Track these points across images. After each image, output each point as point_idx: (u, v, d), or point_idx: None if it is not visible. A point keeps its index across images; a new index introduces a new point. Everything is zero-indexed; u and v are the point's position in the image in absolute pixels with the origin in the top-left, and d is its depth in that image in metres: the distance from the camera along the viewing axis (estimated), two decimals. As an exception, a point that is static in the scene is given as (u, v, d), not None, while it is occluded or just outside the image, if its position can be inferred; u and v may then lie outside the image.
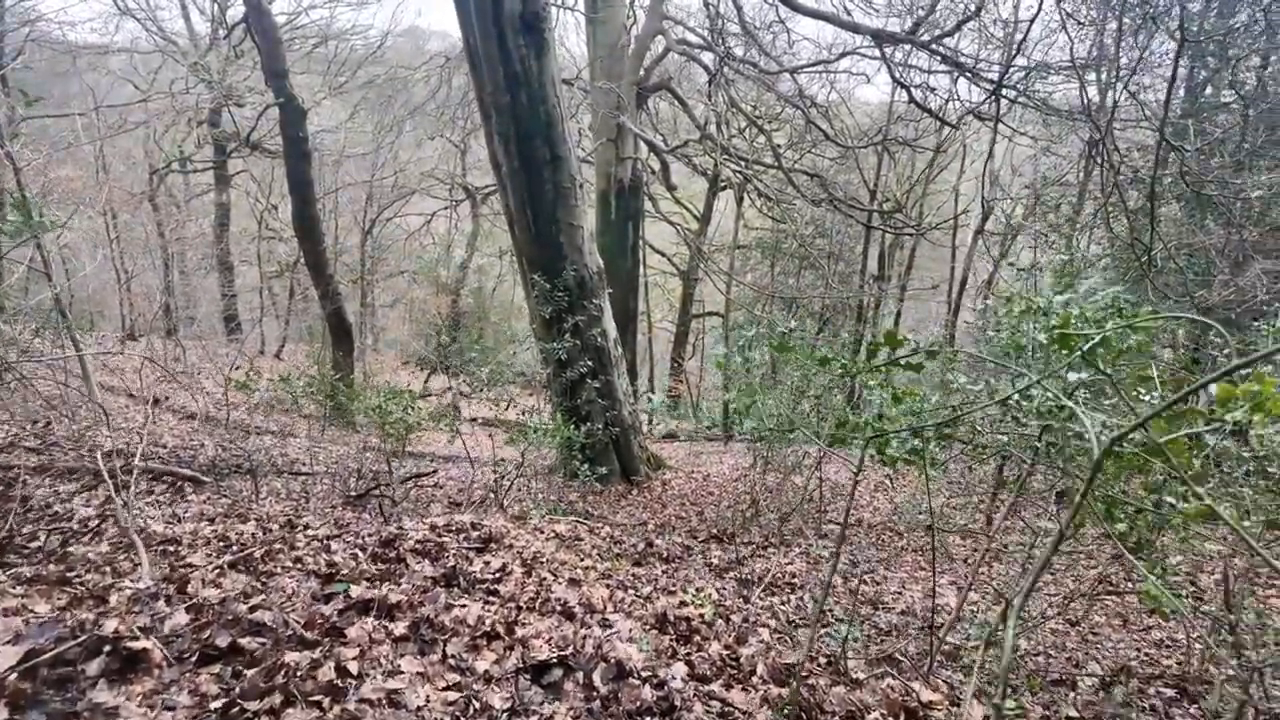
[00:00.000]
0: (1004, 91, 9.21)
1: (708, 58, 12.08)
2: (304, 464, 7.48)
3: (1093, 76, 8.85)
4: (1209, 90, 8.01)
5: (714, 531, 5.45)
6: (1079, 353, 2.04)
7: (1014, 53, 7.57)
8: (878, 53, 10.08)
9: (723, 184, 18.08)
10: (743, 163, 12.24)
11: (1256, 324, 6.02)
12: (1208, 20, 7.20)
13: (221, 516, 4.11)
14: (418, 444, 12.20)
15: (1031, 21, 5.04)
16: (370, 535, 3.46)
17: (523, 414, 6.49)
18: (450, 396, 18.60)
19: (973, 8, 8.30)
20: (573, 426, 5.86)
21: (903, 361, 2.30)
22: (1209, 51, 7.61)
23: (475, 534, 3.57)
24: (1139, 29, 7.81)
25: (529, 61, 5.90)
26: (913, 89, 10.08)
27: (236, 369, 13.91)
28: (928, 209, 13.97)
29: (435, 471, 6.87)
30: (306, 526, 3.74)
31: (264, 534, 3.47)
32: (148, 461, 5.57)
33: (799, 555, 4.83)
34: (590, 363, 6.37)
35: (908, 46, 9.90)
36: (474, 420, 16.80)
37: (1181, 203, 6.17)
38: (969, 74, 9.59)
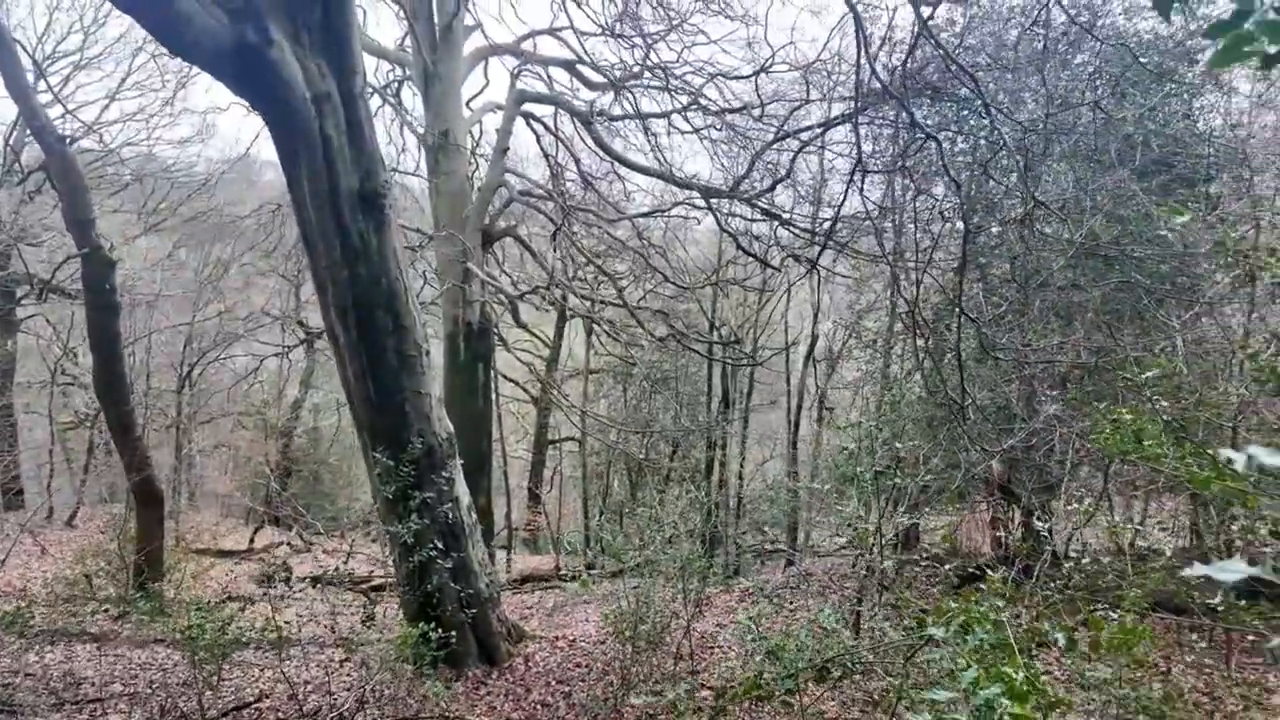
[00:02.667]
0: (816, 237, 10.26)
1: (551, 206, 12.56)
2: (94, 684, 6.36)
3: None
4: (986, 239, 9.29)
5: None
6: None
7: (837, 212, 8.46)
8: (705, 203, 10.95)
9: (571, 314, 18.47)
10: (589, 303, 12.61)
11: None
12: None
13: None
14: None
15: (850, 185, 5.67)
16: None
17: (365, 617, 5.93)
18: (281, 553, 16.91)
19: (783, 172, 9.29)
20: (422, 622, 5.41)
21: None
22: (979, 207, 8.91)
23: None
24: (920, 192, 9.06)
25: (368, 236, 5.80)
26: (739, 236, 10.99)
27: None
28: (762, 337, 14.97)
29: (262, 698, 6.05)
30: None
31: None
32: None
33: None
34: (440, 544, 6.01)
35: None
36: (311, 581, 15.29)
37: (979, 361, 7.04)
38: (784, 224, 10.61)
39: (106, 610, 10.71)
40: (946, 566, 6.46)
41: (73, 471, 19.19)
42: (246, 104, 5.50)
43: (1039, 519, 6.08)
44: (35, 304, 18.13)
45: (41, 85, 14.71)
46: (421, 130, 12.58)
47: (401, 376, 6.11)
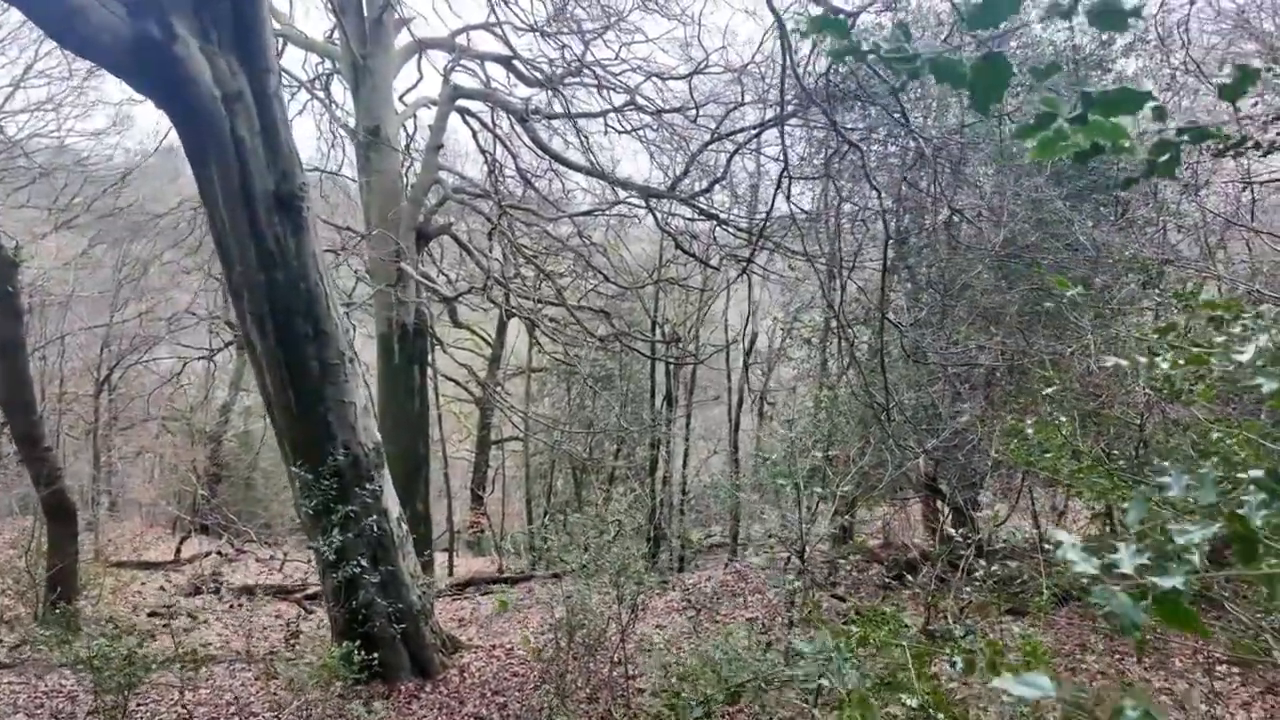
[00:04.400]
0: (752, 238, 10.35)
1: (488, 205, 12.34)
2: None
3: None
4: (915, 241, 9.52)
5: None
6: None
7: (767, 214, 8.53)
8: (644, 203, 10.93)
9: (511, 313, 18.23)
10: (529, 302, 12.47)
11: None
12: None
13: None
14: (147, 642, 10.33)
15: (777, 189, 5.71)
16: None
17: (290, 634, 5.71)
18: (210, 563, 16.26)
19: (719, 172, 9.33)
20: (350, 639, 5.24)
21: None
22: (907, 210, 9.11)
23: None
24: (849, 196, 9.22)
25: (285, 240, 5.57)
26: (678, 236, 11.01)
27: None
28: (705, 335, 15.05)
29: None
30: None
31: None
32: None
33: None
34: (367, 558, 5.84)
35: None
36: (243, 591, 14.75)
37: (906, 362, 7.22)
38: (722, 223, 10.67)
39: (13, 632, 10.09)
40: (876, 567, 6.60)
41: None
42: (153, 101, 5.21)
43: (963, 514, 6.27)
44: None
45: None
46: (352, 125, 12.21)
47: (324, 385, 5.91)
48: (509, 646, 7.36)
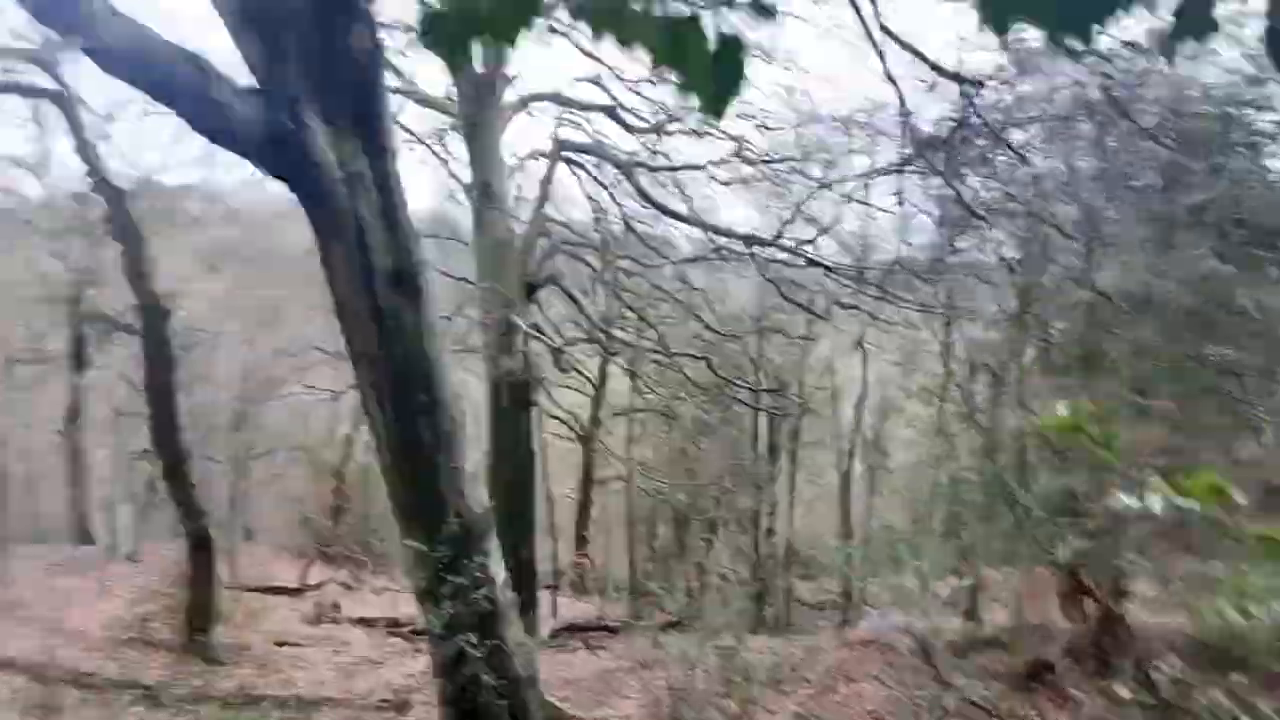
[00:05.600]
0: (860, 285, 9.93)
1: (592, 253, 12.50)
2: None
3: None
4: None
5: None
6: None
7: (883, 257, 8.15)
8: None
9: (614, 353, 18.35)
10: (631, 350, 12.49)
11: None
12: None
13: None
14: (272, 675, 10.84)
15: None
16: None
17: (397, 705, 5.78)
18: (331, 592, 17.07)
19: (826, 221, 9.03)
20: (451, 709, 5.23)
21: None
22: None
23: None
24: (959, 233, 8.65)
25: (404, 315, 5.74)
26: (780, 284, 10.72)
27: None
28: (810, 379, 14.58)
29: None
30: None
31: None
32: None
33: None
34: (475, 631, 5.84)
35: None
36: (360, 622, 15.34)
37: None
38: (828, 271, 10.30)
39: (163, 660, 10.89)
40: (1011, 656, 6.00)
41: (136, 507, 19.77)
42: (281, 182, 5.52)
43: (1115, 600, 5.59)
44: (103, 342, 18.85)
45: (111, 130, 15.26)
46: (468, 179, 12.72)
47: (436, 454, 6.00)
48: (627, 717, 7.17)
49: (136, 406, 19.65)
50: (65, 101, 11.83)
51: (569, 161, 13.11)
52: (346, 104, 5.36)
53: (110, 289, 18.30)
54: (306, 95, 5.14)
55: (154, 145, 19.49)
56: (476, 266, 12.01)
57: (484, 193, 11.59)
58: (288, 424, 20.23)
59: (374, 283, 5.60)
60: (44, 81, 11.77)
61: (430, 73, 14.90)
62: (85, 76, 12.08)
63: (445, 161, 13.92)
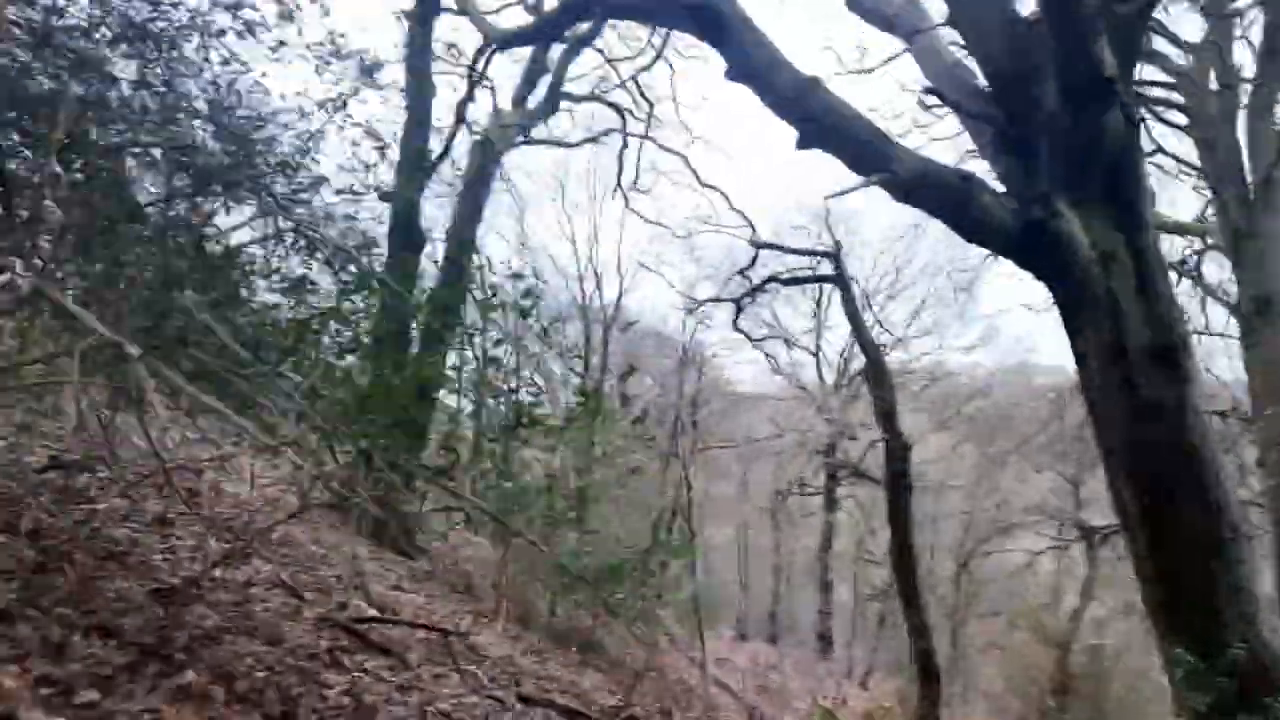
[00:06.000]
0: None
1: None
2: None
3: None
4: None
5: None
6: None
7: None
8: None
9: None
10: None
11: None
12: None
13: None
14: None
15: None
16: None
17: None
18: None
19: None
20: None
21: None
22: None
23: None
24: None
25: (1164, 395, 5.23)
26: None
27: (825, 699, 14.08)
28: None
29: None
30: None
31: None
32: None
33: None
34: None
35: None
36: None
37: None
38: None
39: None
40: None
41: (867, 637, 21.97)
42: (1031, 275, 5.89)
43: None
44: (848, 486, 22.36)
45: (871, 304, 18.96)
46: (1230, 299, 10.89)
47: (1210, 563, 5.04)
48: None
49: (875, 548, 22.37)
50: (845, 286, 15.27)
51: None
52: (1099, 184, 5.49)
53: (857, 442, 21.89)
54: (1058, 184, 5.49)
55: (899, 319, 22.95)
56: (1249, 391, 9.87)
57: (1261, 305, 9.67)
58: (1007, 581, 19.61)
59: (1127, 359, 5.31)
60: (825, 269, 15.54)
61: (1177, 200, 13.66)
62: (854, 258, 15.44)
63: (1199, 284, 12.25)
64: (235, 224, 4.78)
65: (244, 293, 5.05)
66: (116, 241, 4.35)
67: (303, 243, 5.38)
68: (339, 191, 5.33)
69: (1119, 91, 5.29)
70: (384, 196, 8.53)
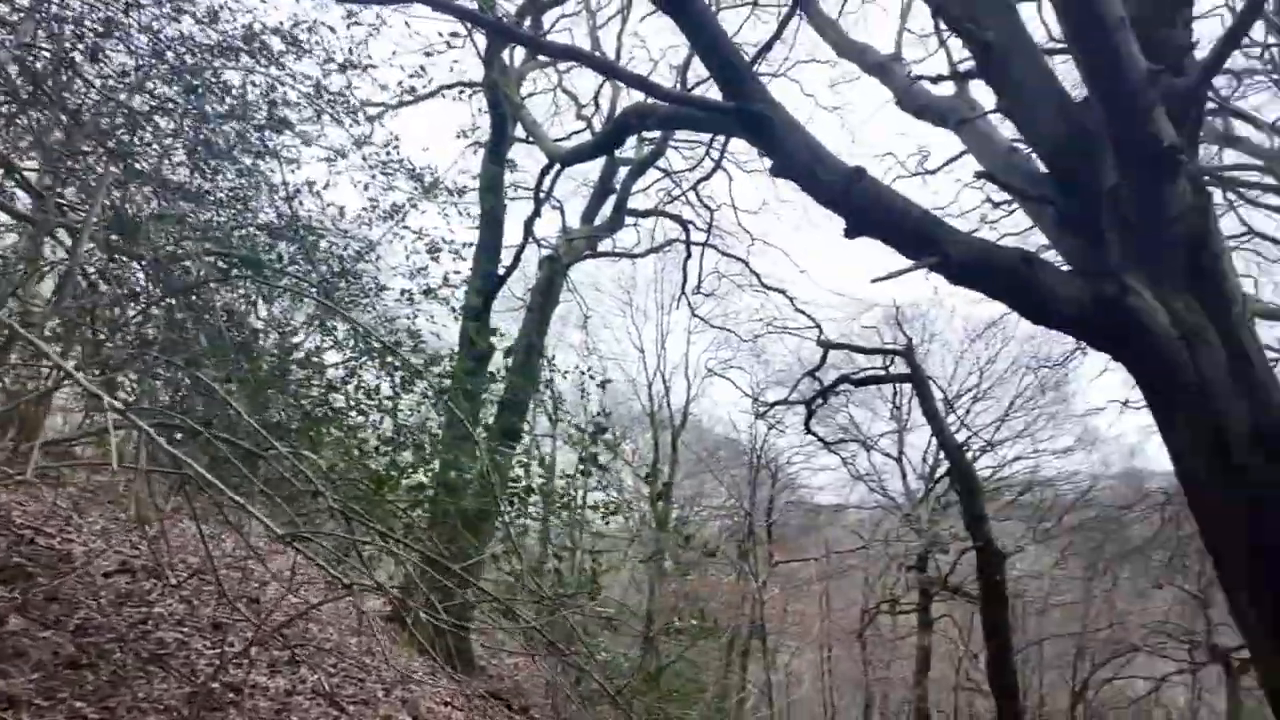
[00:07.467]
0: None
1: None
2: None
3: None
4: None
5: None
6: None
7: None
8: None
9: None
10: None
11: None
12: None
13: None
14: None
15: None
16: None
17: None
18: None
19: None
20: None
21: None
22: None
23: None
24: None
25: (1269, 475, 4.65)
26: None
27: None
28: None
29: None
30: None
31: None
32: None
33: None
34: None
35: None
36: None
37: None
38: None
39: None
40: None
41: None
42: (1113, 358, 5.50)
43: None
44: (945, 603, 20.66)
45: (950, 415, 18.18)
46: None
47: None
48: None
49: (976, 675, 20.36)
50: (921, 384, 14.77)
51: None
52: (1178, 262, 5.16)
53: (949, 555, 20.45)
54: (1130, 261, 5.20)
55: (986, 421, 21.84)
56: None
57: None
58: (1131, 708, 17.35)
59: (1228, 448, 4.78)
60: (900, 368, 15.10)
61: None
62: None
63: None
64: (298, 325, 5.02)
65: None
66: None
67: (365, 348, 5.58)
68: (403, 292, 5.56)
69: (1182, 160, 5.07)
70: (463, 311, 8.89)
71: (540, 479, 10.06)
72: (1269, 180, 11.03)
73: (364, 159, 5.70)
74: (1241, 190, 11.16)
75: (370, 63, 5.60)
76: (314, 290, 4.52)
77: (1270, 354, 11.53)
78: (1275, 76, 10.37)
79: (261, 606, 6.39)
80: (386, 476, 4.79)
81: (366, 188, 5.91)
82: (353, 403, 4.97)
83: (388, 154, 5.90)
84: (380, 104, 7.51)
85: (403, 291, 5.83)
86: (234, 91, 4.46)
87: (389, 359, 5.37)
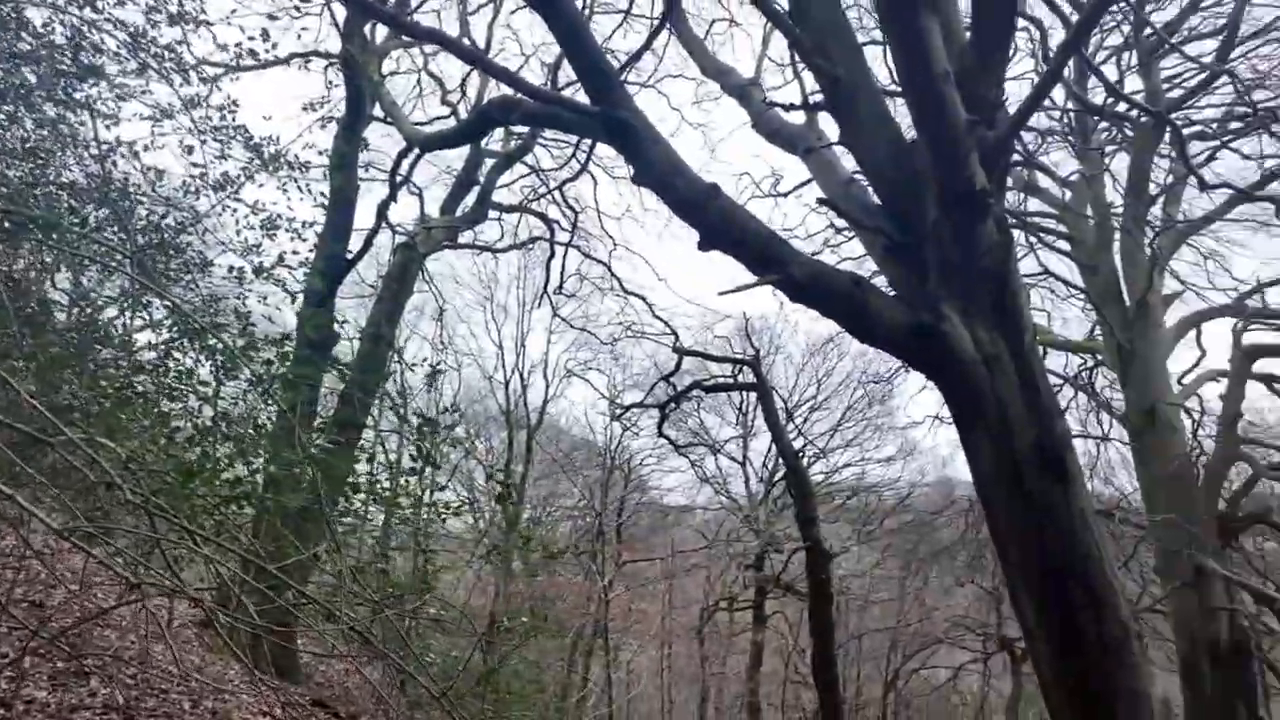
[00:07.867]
0: None
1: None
2: None
3: None
4: None
5: None
6: None
7: None
8: None
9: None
10: None
11: None
12: None
13: None
14: None
15: None
16: None
17: None
18: None
19: None
20: None
21: None
22: None
23: None
24: None
25: (1052, 495, 5.30)
26: None
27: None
28: None
29: None
30: None
31: None
32: None
33: None
34: None
35: None
36: None
37: None
38: None
39: None
40: None
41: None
42: (924, 376, 6.06)
43: None
44: (777, 601, 21.86)
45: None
46: (1120, 412, 11.50)
47: (1104, 662, 4.97)
48: None
49: (804, 668, 21.68)
50: (766, 394, 15.54)
51: (1266, 380, 10.64)
52: (983, 294, 5.77)
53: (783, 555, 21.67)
54: (945, 292, 5.76)
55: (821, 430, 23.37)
56: (1144, 504, 10.24)
57: (1147, 421, 10.22)
58: (931, 696, 19.17)
59: (1015, 459, 5.41)
60: (748, 377, 15.85)
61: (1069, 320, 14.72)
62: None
63: (1093, 398, 12.91)
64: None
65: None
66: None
67: (184, 328, 5.09)
68: (232, 269, 5.11)
69: (991, 203, 5.69)
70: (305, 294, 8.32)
71: (377, 476, 9.61)
72: (1062, 228, 12.61)
73: (193, 122, 5.20)
74: (1040, 235, 12.69)
75: (205, 18, 5.11)
76: (127, 262, 4.05)
77: (1054, 380, 13.12)
78: (1071, 138, 11.90)
79: (45, 611, 5.70)
80: (198, 469, 4.39)
81: (191, 152, 5.38)
82: (163, 387, 4.51)
83: (222, 118, 5.42)
84: (220, 64, 6.87)
85: (231, 269, 5.36)
86: (33, 29, 3.92)
87: (210, 341, 4.93)
